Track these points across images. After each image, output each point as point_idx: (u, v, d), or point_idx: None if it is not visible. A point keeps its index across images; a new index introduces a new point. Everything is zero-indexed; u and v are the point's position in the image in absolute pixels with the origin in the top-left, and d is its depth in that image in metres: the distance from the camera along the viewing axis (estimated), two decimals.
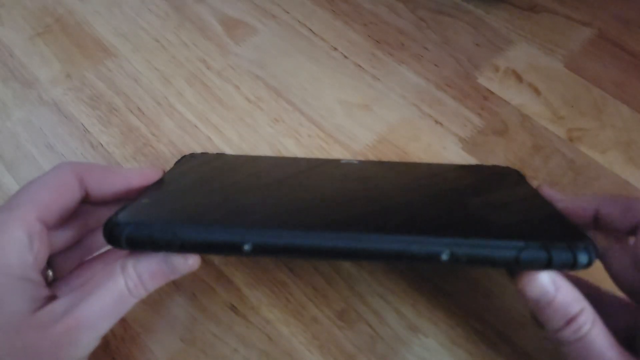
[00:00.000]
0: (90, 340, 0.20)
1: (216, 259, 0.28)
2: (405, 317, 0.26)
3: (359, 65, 0.36)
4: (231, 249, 0.19)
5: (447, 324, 0.26)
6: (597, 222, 0.22)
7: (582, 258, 0.18)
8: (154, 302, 0.26)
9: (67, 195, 0.22)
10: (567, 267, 0.19)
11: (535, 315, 0.20)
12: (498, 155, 0.32)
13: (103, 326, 0.20)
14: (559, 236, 0.19)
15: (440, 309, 0.26)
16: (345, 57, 0.37)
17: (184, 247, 0.19)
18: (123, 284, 0.20)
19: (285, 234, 0.19)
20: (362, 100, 0.34)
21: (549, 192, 0.24)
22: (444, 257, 0.19)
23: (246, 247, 0.19)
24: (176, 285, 0.27)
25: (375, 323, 0.26)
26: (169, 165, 0.31)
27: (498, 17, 0.39)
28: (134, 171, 0.24)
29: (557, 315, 0.19)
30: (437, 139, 0.33)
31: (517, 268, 0.19)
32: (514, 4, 0.40)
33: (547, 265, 0.18)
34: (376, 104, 0.34)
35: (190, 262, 0.20)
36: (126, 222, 0.20)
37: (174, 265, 0.20)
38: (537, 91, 0.35)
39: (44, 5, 0.40)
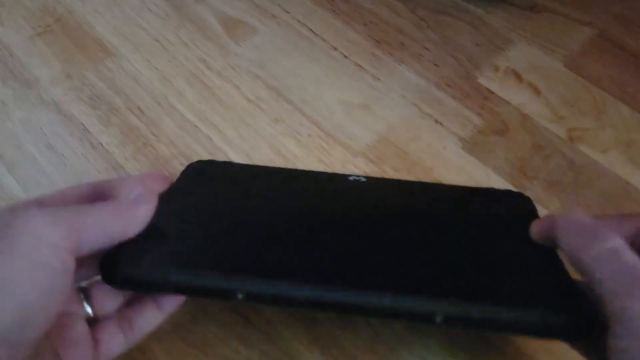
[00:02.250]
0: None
1: None
2: None
3: (359, 65, 0.36)
4: (224, 296, 0.20)
5: None
6: None
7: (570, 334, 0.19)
8: None
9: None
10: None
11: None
12: (498, 155, 0.32)
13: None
14: (554, 306, 0.19)
15: None
16: (345, 57, 0.37)
17: (178, 292, 0.20)
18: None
19: (279, 285, 0.20)
20: (362, 100, 0.34)
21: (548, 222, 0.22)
22: (439, 320, 0.19)
23: (239, 295, 0.20)
24: None
25: (375, 323, 0.26)
26: (169, 165, 0.31)
27: (498, 17, 0.39)
28: (132, 206, 0.21)
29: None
30: (437, 139, 0.33)
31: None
32: (514, 3, 0.40)
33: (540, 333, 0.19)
34: (376, 104, 0.34)
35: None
36: (123, 262, 0.20)
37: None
38: (537, 91, 0.35)
39: (44, 5, 0.40)
